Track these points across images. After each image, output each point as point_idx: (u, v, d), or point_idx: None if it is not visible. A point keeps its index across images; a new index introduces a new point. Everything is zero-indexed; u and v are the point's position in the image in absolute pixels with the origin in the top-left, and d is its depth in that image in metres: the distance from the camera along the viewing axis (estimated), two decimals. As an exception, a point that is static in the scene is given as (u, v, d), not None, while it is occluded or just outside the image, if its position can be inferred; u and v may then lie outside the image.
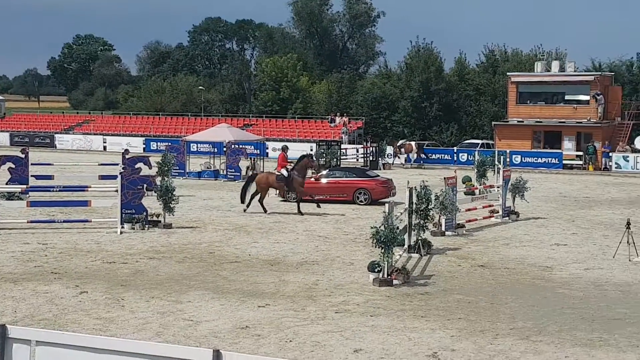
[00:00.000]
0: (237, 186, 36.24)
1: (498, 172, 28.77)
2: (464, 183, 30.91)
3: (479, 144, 53.08)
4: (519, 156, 48.51)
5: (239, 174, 39.64)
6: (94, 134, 67.61)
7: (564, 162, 47.86)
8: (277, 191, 30.24)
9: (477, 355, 12.49)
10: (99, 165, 35.18)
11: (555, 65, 52.44)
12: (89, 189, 24.97)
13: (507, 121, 52.82)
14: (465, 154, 49.68)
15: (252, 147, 44.65)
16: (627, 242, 20.32)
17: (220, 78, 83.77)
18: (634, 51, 78.46)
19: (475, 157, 34.08)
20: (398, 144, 51.04)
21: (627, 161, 45.98)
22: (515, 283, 17.63)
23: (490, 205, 27.45)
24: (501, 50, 66.22)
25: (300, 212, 27.32)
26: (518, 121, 51.91)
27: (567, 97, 51.40)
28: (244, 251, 20.96)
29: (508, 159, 45.03)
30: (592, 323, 14.39)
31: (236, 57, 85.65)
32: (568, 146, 50.06)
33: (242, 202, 28.21)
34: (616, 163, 46.27)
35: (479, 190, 29.56)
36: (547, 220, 27.10)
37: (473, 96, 62.40)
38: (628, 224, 20.67)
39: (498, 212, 27.22)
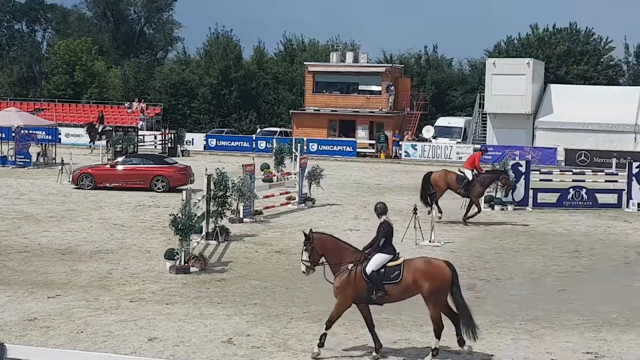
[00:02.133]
0: (28, 173, 34.64)
1: (295, 160, 29.30)
2: (262, 170, 31.20)
3: (277, 131, 53.77)
4: (316, 144, 49.60)
5: (29, 160, 37.93)
6: None
7: (358, 150, 49.46)
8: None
9: (271, 339, 12.70)
10: None
11: (349, 56, 54.03)
12: None
13: (304, 110, 53.86)
14: (264, 142, 50.15)
15: (44, 132, 42.81)
16: (414, 227, 21.37)
17: (8, 60, 79.44)
18: (422, 44, 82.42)
19: (274, 144, 34.50)
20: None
21: (416, 150, 48.25)
22: (310, 268, 18.04)
23: (287, 192, 27.94)
24: (299, 40, 67.40)
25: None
26: (315, 110, 53.08)
27: (360, 88, 53.07)
28: (33, 240, 20.10)
29: (305, 147, 45.97)
30: (383, 305, 14.97)
31: (26, 39, 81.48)
32: (362, 135, 51.75)
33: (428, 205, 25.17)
34: (405, 151, 48.42)
35: (277, 177, 29.96)
36: (341, 207, 27.93)
37: (272, 84, 63.08)
38: (415, 209, 21.73)
39: (295, 198, 27.75)
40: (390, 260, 12.08)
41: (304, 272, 12.23)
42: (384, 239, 12.15)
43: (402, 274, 11.93)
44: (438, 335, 11.99)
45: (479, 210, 25.14)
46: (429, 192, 25.44)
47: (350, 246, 12.32)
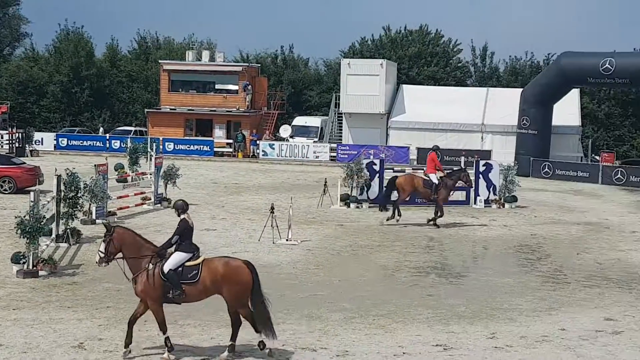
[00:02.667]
0: None
1: (151, 160, 28.82)
2: (116, 170, 30.56)
3: (132, 131, 52.73)
4: (172, 143, 48.92)
5: None
6: None
7: (215, 149, 49.18)
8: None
9: (122, 341, 12.44)
10: None
11: (205, 55, 53.61)
12: None
13: (160, 109, 53.04)
14: (118, 141, 49.07)
15: None
16: (272, 225, 21.47)
17: None
18: (279, 44, 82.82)
19: (128, 144, 33.81)
20: None
21: (273, 149, 48.44)
22: (165, 269, 17.78)
23: (142, 193, 27.45)
24: (153, 37, 66.34)
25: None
26: (171, 109, 52.35)
27: (217, 87, 52.78)
28: None
29: (161, 146, 45.31)
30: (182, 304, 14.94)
31: None
32: (219, 134, 51.48)
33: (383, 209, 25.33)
34: (263, 151, 48.53)
35: (132, 177, 29.40)
36: (198, 207, 27.64)
37: (125, 83, 61.79)
38: (272, 208, 21.83)
39: (150, 199, 27.29)
40: (190, 260, 11.95)
41: (97, 262, 12.16)
42: (177, 236, 12.02)
43: (200, 274, 11.82)
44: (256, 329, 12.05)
45: (442, 214, 24.86)
46: (390, 194, 25.34)
47: (151, 244, 12.16)
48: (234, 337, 12.11)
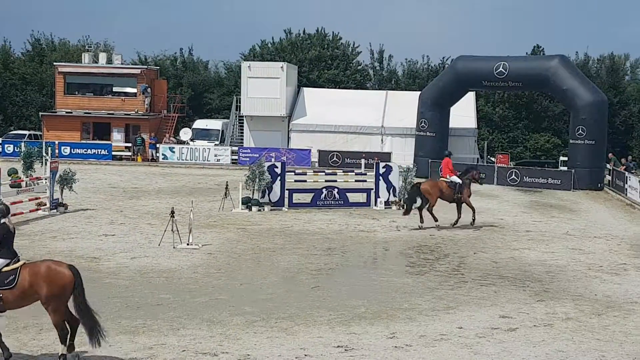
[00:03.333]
0: None
1: (46, 164, 28.09)
2: (9, 175, 29.65)
3: (26, 134, 51.28)
4: (69, 147, 47.80)
5: None
6: None
7: (114, 153, 48.32)
8: None
9: (19, 352, 12.09)
10: None
11: (102, 57, 52.56)
12: None
13: (55, 112, 51.74)
14: (12, 146, 47.65)
15: None
16: (172, 230, 21.23)
17: None
18: (178, 46, 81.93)
19: (22, 148, 32.86)
20: None
21: (173, 152, 47.89)
22: (62, 276, 17.36)
23: (37, 198, 26.73)
24: (48, 39, 64.71)
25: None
26: (67, 112, 51.12)
27: (115, 89, 51.87)
28: None
29: (57, 151, 44.22)
30: (137, 310, 14.76)
31: None
32: (117, 138, 50.61)
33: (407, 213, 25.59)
34: (163, 154, 47.93)
35: (26, 182, 28.56)
36: (96, 212, 27.12)
37: (19, 85, 60.05)
38: (172, 212, 21.58)
39: (46, 204, 26.60)
40: (8, 265, 11.55)
41: None
42: None
43: (17, 279, 11.42)
44: (63, 341, 11.63)
45: (473, 209, 25.86)
46: (414, 202, 25.65)
47: None
48: (72, 337, 11.74)
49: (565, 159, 44.11)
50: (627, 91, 57.35)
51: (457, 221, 25.77)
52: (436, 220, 25.33)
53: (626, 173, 36.97)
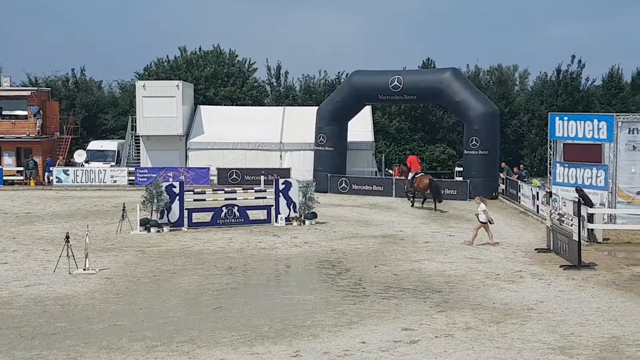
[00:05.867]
0: None
1: None
2: None
3: None
4: (-44, 173, 46.00)
5: None
6: None
7: (5, 178, 46.77)
8: None
9: None
10: None
11: (-9, 79, 50.95)
12: None
13: (-58, 136, 49.73)
14: None
15: None
16: (67, 255, 20.62)
17: None
18: (69, 67, 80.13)
19: None
20: None
21: (68, 175, 46.67)
22: (-50, 309, 16.62)
23: None
24: None
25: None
26: (-47, 136, 49.22)
27: (5, 112, 50.29)
28: None
29: (-56, 177, 42.45)
30: (31, 340, 14.25)
31: None
32: (8, 162, 49.05)
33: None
34: (57, 177, 46.64)
35: None
36: (-14, 239, 26.13)
37: None
38: (67, 237, 20.97)
39: None
40: None
41: None
42: None
43: None
44: None
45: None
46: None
47: None
48: None
49: (461, 169, 45.11)
50: (516, 101, 59.00)
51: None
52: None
53: (519, 181, 38.07)
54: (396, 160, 54.25)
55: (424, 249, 24.65)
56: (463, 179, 41.30)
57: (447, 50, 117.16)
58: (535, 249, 24.51)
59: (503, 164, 43.54)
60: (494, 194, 40.04)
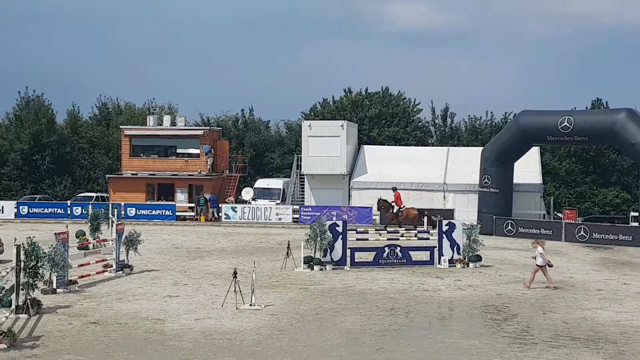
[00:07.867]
0: None
1: (112, 226, 28.45)
2: (77, 237, 30.07)
3: (93, 197, 52.27)
4: (134, 209, 48.53)
5: None
6: None
7: (177, 213, 48.86)
8: None
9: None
10: None
11: (166, 120, 53.67)
12: None
13: (121, 174, 52.74)
14: (80, 208, 48.56)
15: None
16: (235, 290, 21.17)
17: None
18: (239, 107, 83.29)
19: (89, 210, 33.42)
20: None
21: (235, 212, 48.22)
22: (127, 338, 17.40)
23: (104, 260, 27.03)
24: (114, 103, 66.28)
25: None
26: (132, 174, 52.09)
27: (179, 151, 52.78)
28: None
29: (123, 212, 44.89)
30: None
31: None
32: (181, 198, 51.27)
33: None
34: (225, 214, 48.28)
35: (93, 244, 28.93)
36: (160, 272, 27.30)
37: (87, 149, 61.50)
38: (235, 273, 21.55)
39: (112, 266, 26.87)
40: None
41: None
42: None
43: None
44: None
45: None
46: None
47: None
48: None
49: (636, 214, 43.08)
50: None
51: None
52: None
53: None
54: (566, 203, 52.59)
55: (596, 297, 23.60)
56: (639, 224, 39.35)
57: (617, 90, 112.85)
58: None
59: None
60: (671, 240, 37.89)
